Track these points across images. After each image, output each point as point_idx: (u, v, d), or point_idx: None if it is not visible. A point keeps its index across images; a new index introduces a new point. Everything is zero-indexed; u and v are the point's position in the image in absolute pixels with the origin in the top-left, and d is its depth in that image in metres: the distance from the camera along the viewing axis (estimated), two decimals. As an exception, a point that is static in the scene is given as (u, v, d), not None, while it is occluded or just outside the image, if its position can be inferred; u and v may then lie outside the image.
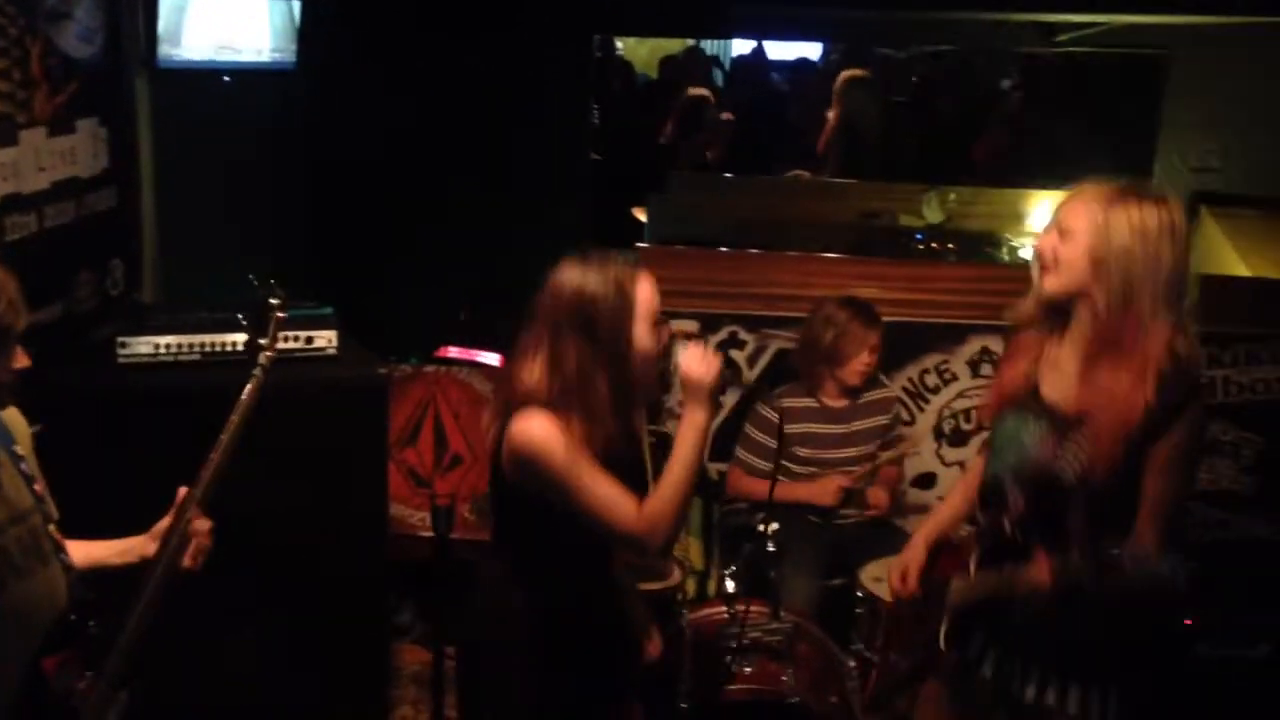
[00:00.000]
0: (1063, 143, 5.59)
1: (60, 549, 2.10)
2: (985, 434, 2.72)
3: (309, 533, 3.23)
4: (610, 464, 2.32)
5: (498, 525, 2.52)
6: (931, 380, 4.53)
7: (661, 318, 2.44)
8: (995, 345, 4.35)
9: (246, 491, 2.37)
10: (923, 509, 4.14)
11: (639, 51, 7.68)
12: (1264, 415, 4.38)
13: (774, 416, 3.91)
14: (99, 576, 2.22)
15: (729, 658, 3.15)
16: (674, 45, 7.52)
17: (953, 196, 5.53)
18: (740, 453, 4.04)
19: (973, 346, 4.50)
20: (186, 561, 2.24)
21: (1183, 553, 2.26)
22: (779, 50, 7.71)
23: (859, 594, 3.60)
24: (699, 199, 5.63)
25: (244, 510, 2.46)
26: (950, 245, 5.37)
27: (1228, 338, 4.25)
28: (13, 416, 2.12)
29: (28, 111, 3.12)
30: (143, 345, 3.22)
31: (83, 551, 2.21)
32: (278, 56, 4.13)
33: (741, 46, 7.90)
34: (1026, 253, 5.22)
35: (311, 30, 4.23)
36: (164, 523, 2.26)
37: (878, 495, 4.02)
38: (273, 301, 2.51)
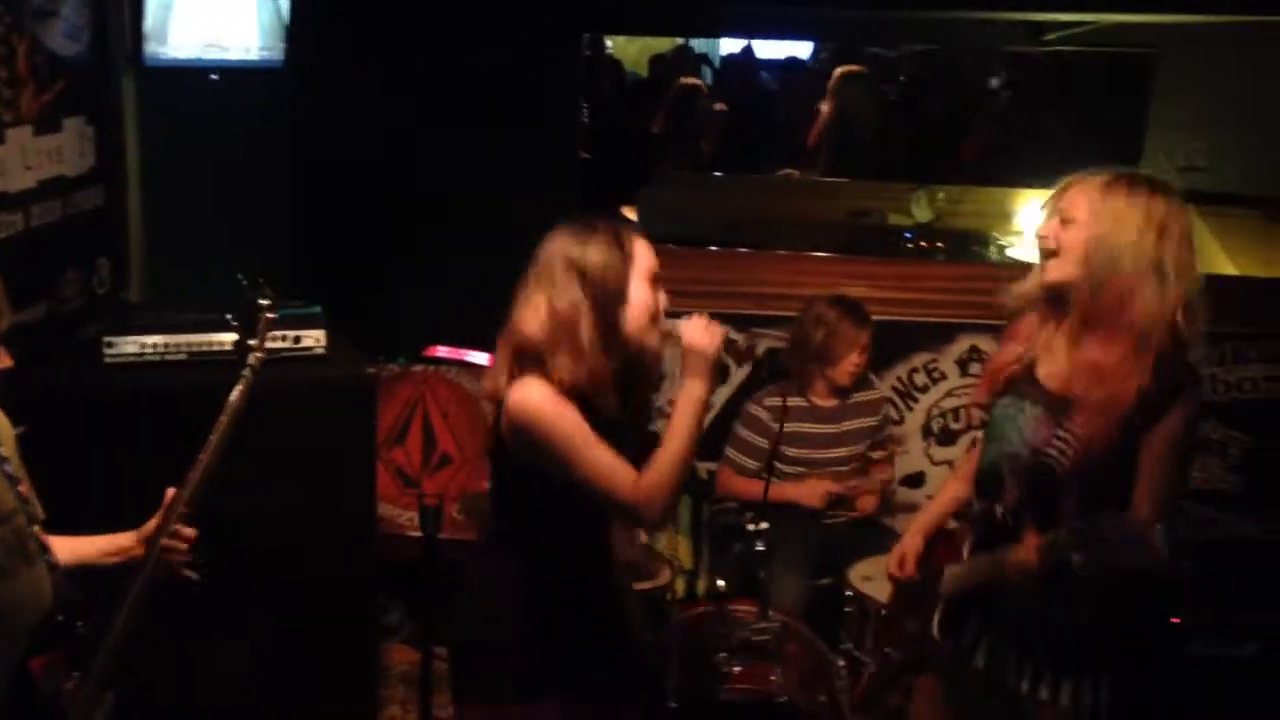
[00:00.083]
0: (1051, 141, 5.61)
1: (46, 550, 2.09)
2: (975, 432, 2.73)
3: (297, 532, 3.21)
4: (610, 436, 2.31)
5: (496, 493, 2.50)
6: (920, 379, 4.54)
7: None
8: (984, 344, 4.36)
9: (234, 491, 2.36)
10: (911, 508, 4.15)
11: (628, 50, 7.65)
12: (1251, 414, 4.40)
13: (765, 415, 3.92)
14: (86, 575, 2.21)
15: (718, 656, 3.15)
16: (664, 44, 7.49)
17: (941, 195, 5.55)
18: (730, 452, 4.04)
19: (961, 345, 4.51)
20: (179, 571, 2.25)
21: (1176, 539, 2.26)
22: (768, 49, 7.70)
23: (848, 593, 3.60)
24: (688, 198, 5.63)
25: (232, 510, 2.45)
26: (939, 244, 5.38)
27: (1215, 337, 4.26)
28: (-4, 417, 2.11)
29: (14, 110, 3.10)
30: (129, 345, 3.21)
31: (69, 548, 2.20)
32: (266, 55, 4.10)
33: (731, 45, 7.88)
34: (1015, 251, 5.24)
35: (300, 29, 4.21)
36: (152, 524, 2.26)
37: (866, 501, 4.03)
38: (261, 301, 2.49)
